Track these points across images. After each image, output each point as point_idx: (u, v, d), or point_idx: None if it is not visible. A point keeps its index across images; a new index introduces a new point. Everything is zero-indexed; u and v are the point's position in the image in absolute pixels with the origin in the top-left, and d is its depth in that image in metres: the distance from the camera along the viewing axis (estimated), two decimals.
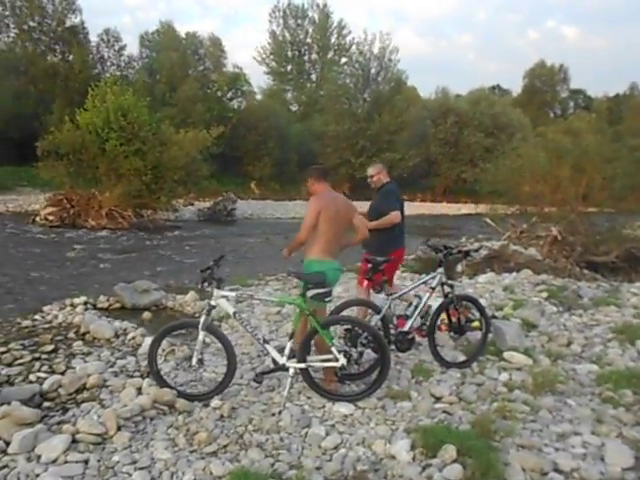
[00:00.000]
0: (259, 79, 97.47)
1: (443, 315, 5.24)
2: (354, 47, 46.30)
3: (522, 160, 14.86)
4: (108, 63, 35.65)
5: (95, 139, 18.45)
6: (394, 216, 5.56)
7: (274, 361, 4.45)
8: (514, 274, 9.87)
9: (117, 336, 6.14)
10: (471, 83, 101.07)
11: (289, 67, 53.11)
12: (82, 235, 16.04)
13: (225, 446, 3.68)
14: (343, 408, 4.23)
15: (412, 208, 34.69)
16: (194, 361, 4.42)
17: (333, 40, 52.49)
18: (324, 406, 4.29)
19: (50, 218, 18.18)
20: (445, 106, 45.13)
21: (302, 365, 4.33)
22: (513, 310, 7.06)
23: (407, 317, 5.20)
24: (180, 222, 20.88)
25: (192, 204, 25.18)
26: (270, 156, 38.99)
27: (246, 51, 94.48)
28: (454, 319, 5.25)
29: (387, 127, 40.13)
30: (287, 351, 4.38)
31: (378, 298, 5.40)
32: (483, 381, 4.85)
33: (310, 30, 52.52)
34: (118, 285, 7.84)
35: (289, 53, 52.88)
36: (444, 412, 4.21)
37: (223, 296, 4.47)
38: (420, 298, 5.29)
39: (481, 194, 15.89)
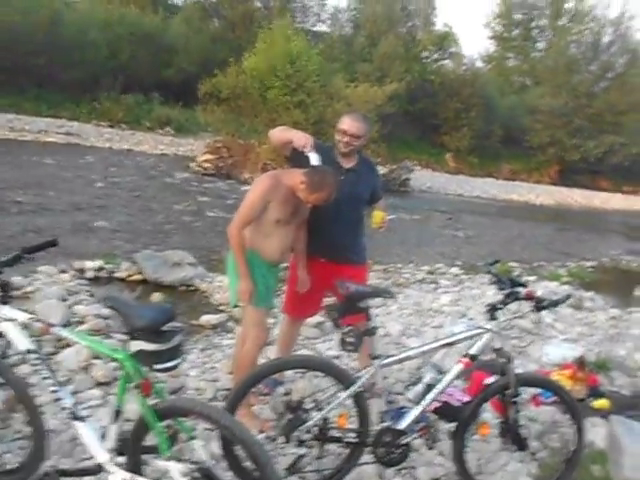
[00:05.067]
0: (473, 43, 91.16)
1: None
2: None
3: None
4: (309, 13, 34.85)
5: (258, 86, 17.22)
6: None
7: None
8: None
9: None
10: None
11: (514, 32, 47.76)
12: (221, 187, 14.88)
13: None
14: None
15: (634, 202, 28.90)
16: None
17: (569, 5, 44.99)
18: None
19: (206, 166, 17.52)
20: None
21: (128, 476, 2.05)
22: None
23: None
24: None
25: None
26: (470, 127, 35.31)
27: (458, 10, 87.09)
28: (510, 416, 2.52)
29: (614, 106, 34.27)
30: (110, 442, 2.11)
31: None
32: None
33: None
34: (141, 252, 6.07)
35: (517, 17, 47.45)
36: None
37: (9, 319, 2.22)
38: (440, 371, 2.49)
39: None
